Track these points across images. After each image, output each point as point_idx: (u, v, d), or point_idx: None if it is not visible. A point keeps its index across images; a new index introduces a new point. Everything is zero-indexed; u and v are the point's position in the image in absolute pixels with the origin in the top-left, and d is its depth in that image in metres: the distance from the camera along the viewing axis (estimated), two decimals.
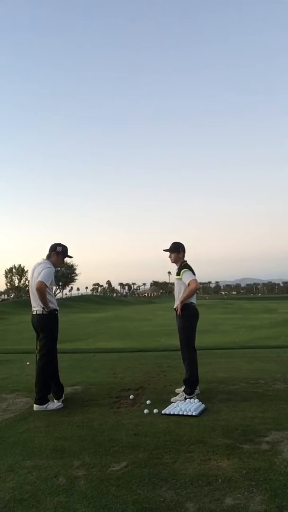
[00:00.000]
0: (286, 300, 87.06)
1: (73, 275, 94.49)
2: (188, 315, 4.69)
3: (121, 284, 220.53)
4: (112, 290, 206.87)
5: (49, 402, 4.37)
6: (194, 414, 3.80)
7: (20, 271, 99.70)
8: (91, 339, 22.45)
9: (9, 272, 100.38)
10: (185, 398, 4.40)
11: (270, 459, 2.77)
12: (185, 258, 4.93)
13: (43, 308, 4.44)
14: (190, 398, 4.40)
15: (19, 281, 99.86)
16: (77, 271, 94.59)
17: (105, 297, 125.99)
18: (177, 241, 4.95)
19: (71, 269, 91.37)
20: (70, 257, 4.84)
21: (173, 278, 5.03)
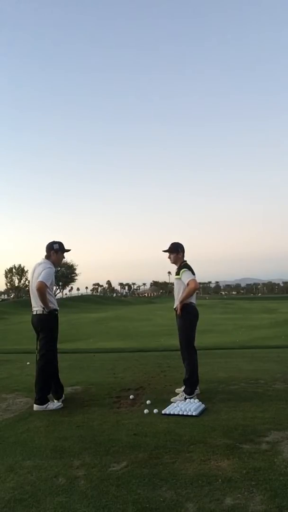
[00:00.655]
0: (286, 300, 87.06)
1: (73, 275, 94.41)
2: (188, 315, 4.69)
3: (121, 284, 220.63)
4: (112, 290, 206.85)
5: (49, 402, 4.37)
6: (194, 414, 3.80)
7: (20, 271, 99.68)
8: (91, 339, 22.45)
9: (9, 272, 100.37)
10: (185, 398, 4.40)
11: (270, 459, 2.77)
12: (185, 258, 4.92)
13: (43, 308, 4.44)
14: (190, 398, 4.41)
15: (19, 281, 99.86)
16: (77, 271, 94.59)
17: (105, 297, 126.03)
18: (176, 241, 4.94)
19: (71, 269, 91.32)
20: (68, 250, 4.83)
21: (173, 278, 5.03)
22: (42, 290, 4.34)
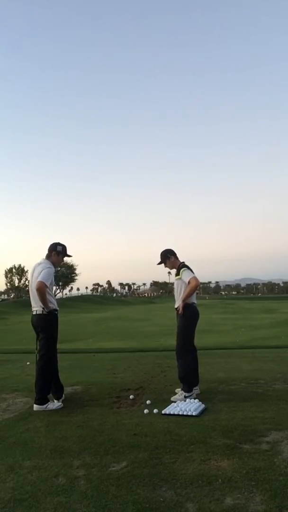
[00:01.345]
0: (286, 300, 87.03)
1: (73, 275, 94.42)
2: (189, 315, 4.70)
3: (121, 284, 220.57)
4: (112, 290, 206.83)
5: (49, 402, 4.37)
6: (194, 414, 3.80)
7: (20, 271, 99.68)
8: (91, 339, 22.45)
9: (9, 272, 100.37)
10: (185, 397, 4.41)
11: (270, 459, 2.77)
12: (182, 260, 4.94)
13: (43, 308, 4.44)
14: (189, 396, 4.41)
15: (19, 281, 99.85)
16: (77, 271, 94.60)
17: (105, 297, 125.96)
18: (163, 249, 4.98)
19: (71, 269, 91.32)
20: (70, 256, 4.85)
21: (173, 278, 5.06)
22: (42, 290, 4.34)
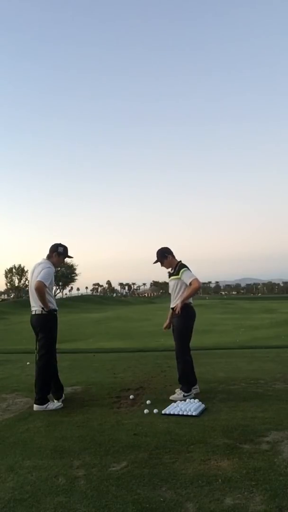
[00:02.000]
0: (286, 300, 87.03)
1: (73, 275, 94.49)
2: (187, 315, 4.68)
3: (121, 284, 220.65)
4: (112, 290, 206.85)
5: (49, 402, 4.37)
6: (194, 414, 3.80)
7: (20, 271, 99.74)
8: (91, 339, 22.46)
9: (9, 272, 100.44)
10: (184, 396, 4.41)
11: (270, 459, 2.77)
12: (179, 259, 4.90)
13: (43, 308, 4.43)
14: (188, 395, 4.42)
15: (19, 281, 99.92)
16: (77, 271, 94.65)
17: (105, 297, 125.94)
18: (160, 248, 4.92)
19: (71, 269, 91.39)
20: (71, 257, 4.85)
21: None
22: (41, 289, 4.34)
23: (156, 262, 4.95)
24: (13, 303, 69.85)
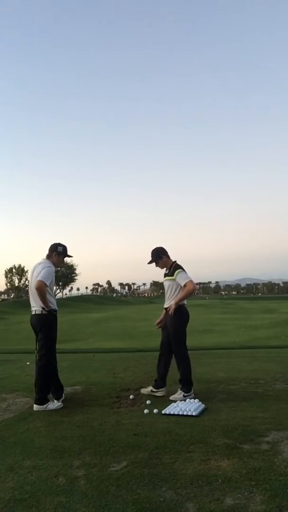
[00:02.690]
0: (286, 300, 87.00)
1: (73, 275, 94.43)
2: (180, 316, 4.65)
3: (121, 284, 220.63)
4: (112, 290, 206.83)
5: (49, 402, 4.37)
6: (194, 414, 3.80)
7: (20, 271, 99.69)
8: (91, 339, 22.45)
9: (9, 272, 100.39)
10: (184, 396, 4.41)
11: (270, 459, 2.77)
12: (174, 259, 4.87)
13: (43, 308, 4.43)
14: (188, 395, 4.42)
15: (19, 281, 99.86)
16: (77, 271, 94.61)
17: (105, 297, 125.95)
18: (154, 248, 4.89)
19: (71, 269, 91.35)
20: (70, 256, 4.85)
21: None
22: (42, 289, 4.33)
23: (150, 262, 4.92)
24: (13, 303, 69.86)
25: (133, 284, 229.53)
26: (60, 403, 4.41)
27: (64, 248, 4.77)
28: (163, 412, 3.95)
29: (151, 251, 4.89)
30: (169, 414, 3.89)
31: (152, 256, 4.88)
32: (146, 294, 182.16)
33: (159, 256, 4.86)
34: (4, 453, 3.12)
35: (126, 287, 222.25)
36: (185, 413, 3.83)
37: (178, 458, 2.86)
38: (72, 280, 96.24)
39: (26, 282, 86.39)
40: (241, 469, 2.63)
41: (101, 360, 7.71)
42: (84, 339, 22.21)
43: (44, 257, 4.70)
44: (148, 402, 4.31)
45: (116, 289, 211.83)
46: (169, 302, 4.72)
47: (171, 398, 4.44)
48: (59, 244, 4.74)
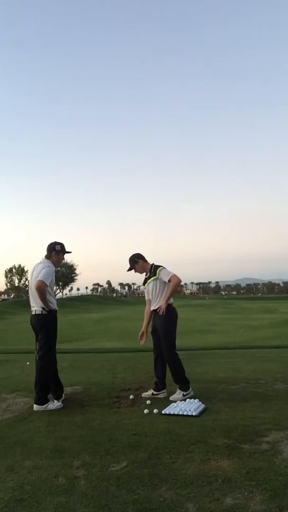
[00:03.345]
0: (286, 300, 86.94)
1: (73, 275, 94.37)
2: (170, 315, 4.63)
3: (121, 284, 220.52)
4: (112, 290, 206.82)
5: (49, 402, 4.37)
6: (194, 414, 3.80)
7: (20, 271, 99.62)
8: (91, 339, 22.44)
9: (9, 272, 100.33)
10: (183, 396, 4.41)
11: (270, 459, 2.77)
12: (151, 262, 4.86)
13: (43, 308, 4.43)
14: (188, 394, 4.42)
15: (19, 281, 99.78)
16: (77, 271, 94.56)
17: (105, 297, 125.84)
18: (131, 255, 4.88)
19: (71, 269, 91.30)
20: (69, 252, 4.84)
21: None
22: (42, 289, 4.33)
23: (129, 269, 4.92)
24: (13, 303, 69.77)
25: (133, 284, 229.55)
26: (60, 403, 4.41)
27: (62, 245, 4.77)
28: (163, 412, 3.95)
29: (128, 259, 4.88)
30: (169, 414, 3.89)
31: (129, 263, 4.88)
32: None
33: (134, 261, 4.84)
34: (4, 453, 3.13)
35: (126, 287, 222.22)
36: (185, 413, 3.83)
37: (178, 458, 2.86)
38: (72, 280, 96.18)
39: (26, 282, 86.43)
40: (241, 469, 2.63)
41: (101, 360, 7.71)
42: (84, 339, 22.20)
43: (44, 257, 4.70)
44: (148, 402, 4.32)
45: (116, 289, 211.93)
46: (157, 303, 4.68)
47: (171, 398, 4.44)
48: (56, 243, 4.74)
